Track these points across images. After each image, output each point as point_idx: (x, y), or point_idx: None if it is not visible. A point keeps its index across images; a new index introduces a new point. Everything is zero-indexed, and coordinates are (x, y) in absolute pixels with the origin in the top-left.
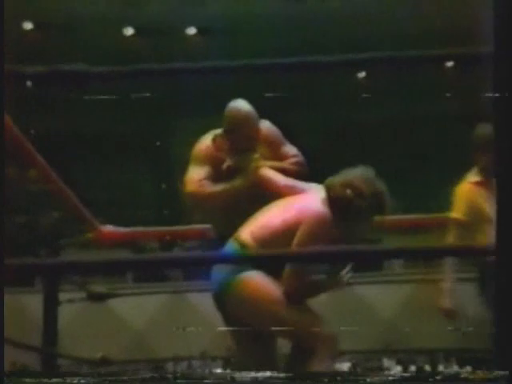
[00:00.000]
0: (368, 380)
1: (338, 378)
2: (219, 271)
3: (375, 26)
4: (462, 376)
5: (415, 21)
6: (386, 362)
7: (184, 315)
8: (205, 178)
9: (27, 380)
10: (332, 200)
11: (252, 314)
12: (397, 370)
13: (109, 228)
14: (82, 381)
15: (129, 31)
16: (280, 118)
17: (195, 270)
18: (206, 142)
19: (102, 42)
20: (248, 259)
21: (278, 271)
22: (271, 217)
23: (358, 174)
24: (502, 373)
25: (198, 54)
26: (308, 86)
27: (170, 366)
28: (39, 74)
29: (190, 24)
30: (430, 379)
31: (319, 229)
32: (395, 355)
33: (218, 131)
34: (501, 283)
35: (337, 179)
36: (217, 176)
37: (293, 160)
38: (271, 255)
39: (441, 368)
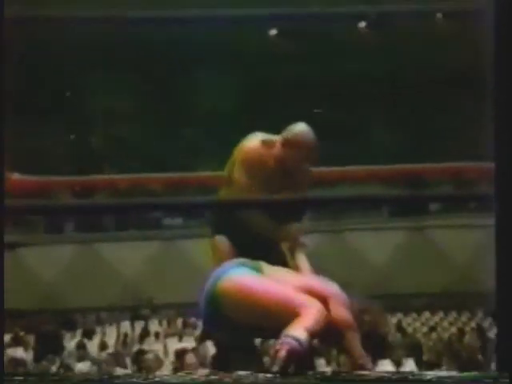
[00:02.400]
0: (366, 377)
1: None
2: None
3: None
4: (462, 376)
5: None
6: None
7: (95, 267)
8: (252, 183)
9: (27, 380)
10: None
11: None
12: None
13: (16, 176)
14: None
15: None
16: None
17: (115, 219)
18: (254, 144)
19: None
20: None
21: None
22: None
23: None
24: (502, 373)
25: None
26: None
27: (78, 317)
28: None
29: None
30: (430, 379)
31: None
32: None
33: (267, 136)
34: (501, 284)
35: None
36: (263, 178)
37: None
38: (239, 201)
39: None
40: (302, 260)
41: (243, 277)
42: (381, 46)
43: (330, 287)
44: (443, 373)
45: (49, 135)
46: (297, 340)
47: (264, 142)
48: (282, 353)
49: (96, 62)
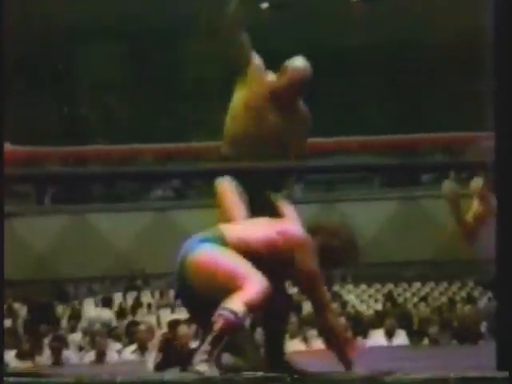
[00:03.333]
0: (365, 379)
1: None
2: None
3: None
4: (463, 376)
5: None
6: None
7: (87, 238)
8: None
9: (27, 380)
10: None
11: (210, 287)
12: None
13: (7, 147)
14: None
15: None
16: None
17: (107, 190)
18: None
19: None
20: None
21: None
22: (255, 229)
23: (342, 225)
24: (502, 373)
25: None
26: None
27: (70, 288)
28: None
29: None
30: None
31: (312, 251)
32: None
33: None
34: (501, 285)
35: (321, 224)
36: (257, 106)
37: None
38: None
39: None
40: (287, 208)
41: (203, 252)
42: (373, 19)
43: (304, 234)
44: (441, 372)
45: (40, 106)
46: (233, 313)
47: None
48: (217, 325)
49: (85, 35)
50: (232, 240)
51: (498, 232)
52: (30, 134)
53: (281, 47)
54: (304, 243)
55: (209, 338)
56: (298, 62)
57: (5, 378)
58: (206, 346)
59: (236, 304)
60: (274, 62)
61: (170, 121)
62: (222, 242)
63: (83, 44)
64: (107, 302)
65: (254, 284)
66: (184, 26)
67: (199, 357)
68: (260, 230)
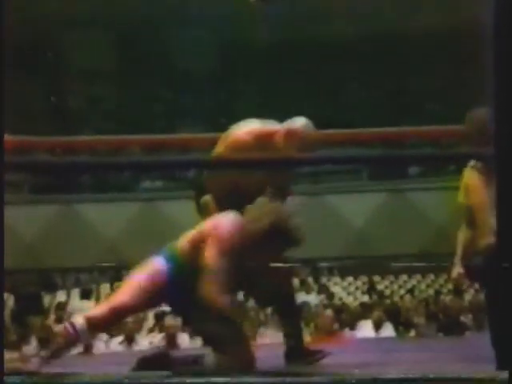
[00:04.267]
0: (365, 379)
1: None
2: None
3: None
4: (463, 376)
5: None
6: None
7: (75, 228)
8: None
9: (27, 380)
10: (257, 230)
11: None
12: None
13: None
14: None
15: None
16: None
17: (96, 181)
18: (247, 135)
19: None
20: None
21: None
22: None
23: (280, 206)
24: (502, 373)
25: None
26: None
27: (58, 278)
28: None
29: None
30: (430, 380)
31: (228, 234)
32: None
33: (260, 124)
34: (501, 285)
35: (258, 208)
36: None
37: None
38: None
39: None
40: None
41: (149, 263)
42: (358, 6)
43: (221, 226)
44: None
45: (28, 95)
46: (73, 326)
47: (260, 134)
48: (58, 338)
49: (73, 23)
50: (181, 245)
51: (498, 227)
52: (17, 124)
53: (269, 36)
54: (216, 237)
55: (47, 351)
56: (304, 123)
57: (5, 378)
58: (47, 352)
59: (80, 318)
60: (263, 51)
61: (158, 109)
62: (173, 251)
63: (71, 32)
64: (86, 295)
65: (111, 300)
66: (172, 13)
67: (36, 361)
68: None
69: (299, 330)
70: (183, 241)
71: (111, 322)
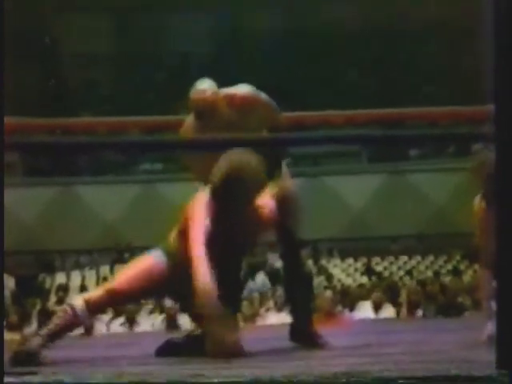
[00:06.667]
0: (365, 378)
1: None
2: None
3: None
4: (463, 376)
5: None
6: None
7: (74, 210)
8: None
9: (27, 379)
10: (214, 188)
11: None
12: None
13: None
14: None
15: None
16: None
17: (95, 163)
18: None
19: None
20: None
21: None
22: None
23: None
24: (501, 373)
25: None
26: None
27: (58, 260)
28: None
29: None
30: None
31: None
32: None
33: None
34: (501, 285)
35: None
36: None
37: None
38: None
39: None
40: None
41: (146, 256)
42: None
43: (195, 211)
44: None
45: (26, 78)
46: (72, 308)
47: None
48: (55, 319)
49: (72, 8)
50: (173, 236)
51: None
52: (16, 106)
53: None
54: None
55: (50, 326)
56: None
57: (5, 378)
58: (45, 331)
59: (79, 300)
60: (259, 37)
61: (155, 93)
62: (168, 250)
63: (70, 17)
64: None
65: (109, 285)
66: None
67: (36, 340)
68: None
69: (308, 310)
70: (174, 231)
71: (108, 307)
